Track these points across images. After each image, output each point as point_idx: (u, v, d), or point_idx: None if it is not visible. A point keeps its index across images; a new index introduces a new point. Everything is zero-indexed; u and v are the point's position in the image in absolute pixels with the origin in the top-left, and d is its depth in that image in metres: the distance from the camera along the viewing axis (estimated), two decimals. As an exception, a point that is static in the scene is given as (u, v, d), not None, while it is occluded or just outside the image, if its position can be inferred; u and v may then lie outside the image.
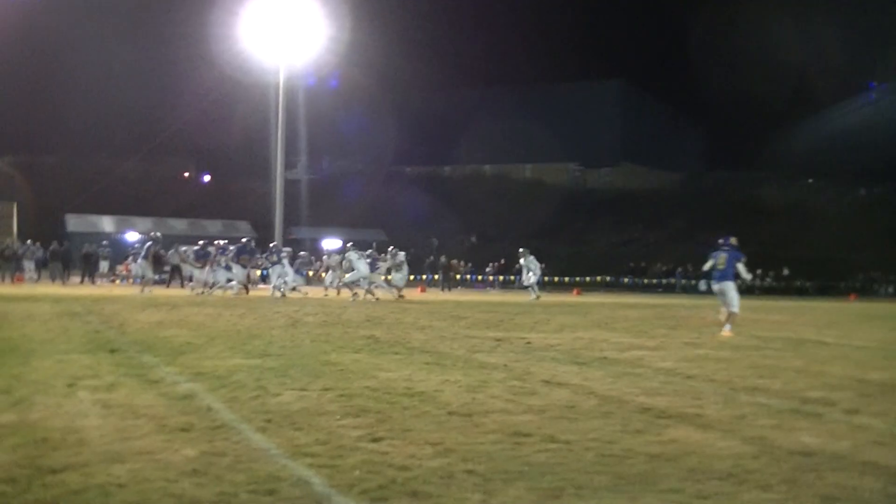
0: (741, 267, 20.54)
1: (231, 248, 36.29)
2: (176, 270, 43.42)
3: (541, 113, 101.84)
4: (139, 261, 37.53)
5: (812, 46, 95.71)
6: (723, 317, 20.52)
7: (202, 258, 36.25)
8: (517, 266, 49.19)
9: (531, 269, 40.06)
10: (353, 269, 34.53)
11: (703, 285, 21.83)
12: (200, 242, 37.76)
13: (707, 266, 21.42)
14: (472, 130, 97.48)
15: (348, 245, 36.74)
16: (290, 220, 64.43)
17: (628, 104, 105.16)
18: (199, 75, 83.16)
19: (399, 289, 36.37)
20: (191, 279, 40.67)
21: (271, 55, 49.72)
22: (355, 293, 34.19)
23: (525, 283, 40.68)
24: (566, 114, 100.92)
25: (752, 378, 11.65)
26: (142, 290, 34.46)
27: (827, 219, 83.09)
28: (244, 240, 36.68)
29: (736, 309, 20.40)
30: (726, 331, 19.79)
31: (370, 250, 37.13)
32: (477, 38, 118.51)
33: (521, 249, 41.26)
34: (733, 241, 20.99)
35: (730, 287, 20.47)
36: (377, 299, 33.00)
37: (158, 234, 39.06)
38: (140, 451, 6.51)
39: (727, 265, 20.51)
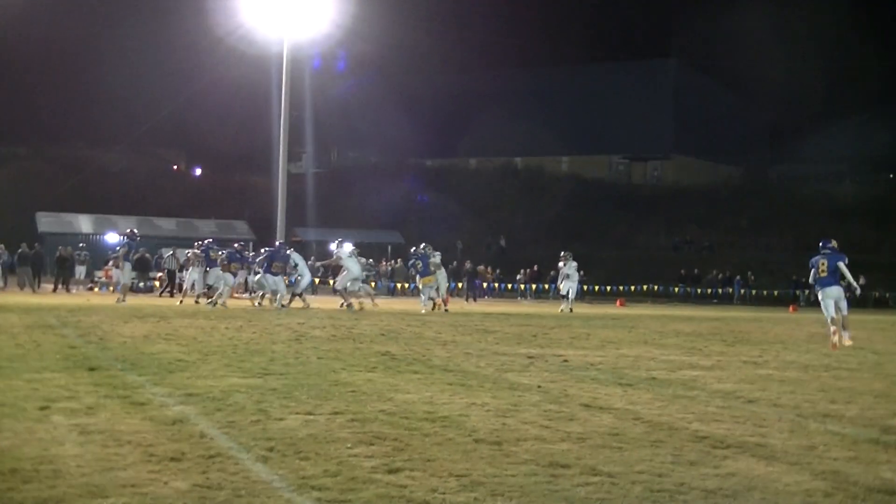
0: (846, 270, 22.49)
1: (238, 251, 36.46)
2: (171, 277, 43.42)
3: (580, 98, 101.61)
4: (121, 265, 37.46)
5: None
6: (834, 329, 21.99)
7: (237, 262, 35.82)
8: (552, 274, 48.92)
9: (569, 276, 39.79)
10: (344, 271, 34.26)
11: (814, 296, 23.15)
12: (236, 245, 37.41)
13: (812, 278, 23.08)
14: (502, 118, 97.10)
15: (335, 242, 36.31)
16: (294, 220, 64.57)
17: (682, 87, 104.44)
18: (191, 54, 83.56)
19: (444, 299, 36.19)
20: (180, 287, 40.81)
21: (274, 31, 49.75)
22: (349, 303, 33.73)
23: (562, 293, 40.30)
24: (609, 99, 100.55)
25: (823, 403, 11.64)
26: (119, 299, 34.43)
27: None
28: (278, 243, 36.23)
29: (846, 312, 22.50)
30: (847, 339, 21.90)
31: (423, 245, 36.04)
32: (507, 14, 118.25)
33: (563, 253, 40.87)
34: (834, 243, 22.93)
35: (840, 293, 22.48)
36: (361, 307, 32.93)
37: (136, 231, 38.80)
38: (124, 483, 6.54)
39: (829, 271, 22.48)
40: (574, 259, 40.79)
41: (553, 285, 48.32)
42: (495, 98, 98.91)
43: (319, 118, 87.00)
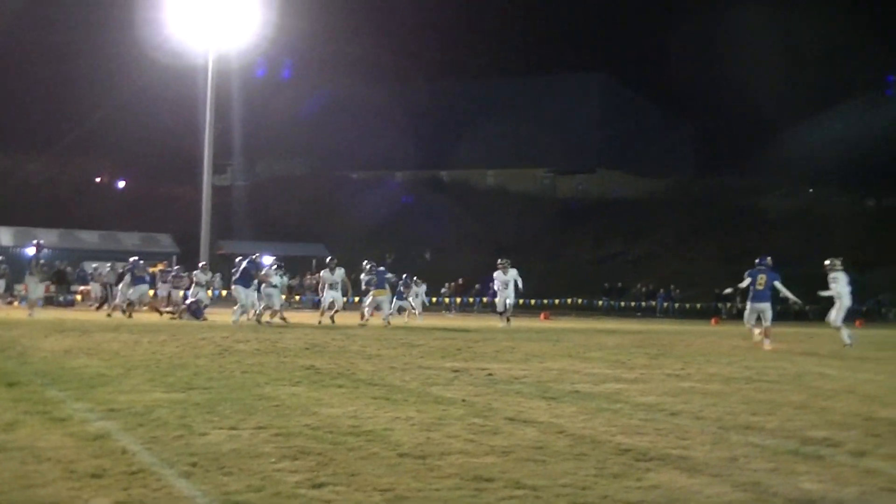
0: (782, 287, 26.19)
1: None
2: (108, 291, 42.82)
3: (506, 111, 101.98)
4: (26, 276, 37.11)
5: (818, 38, 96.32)
6: (758, 336, 25.91)
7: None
8: (476, 287, 48.28)
9: (508, 286, 36.75)
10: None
11: (737, 308, 26.48)
12: (273, 257, 35.94)
13: (743, 284, 26.47)
14: (428, 131, 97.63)
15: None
16: (220, 233, 64.24)
17: (608, 101, 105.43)
18: (116, 64, 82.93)
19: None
20: (105, 300, 40.51)
21: (199, 42, 49.57)
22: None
23: (499, 308, 37.45)
24: (535, 112, 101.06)
25: (745, 415, 11.75)
26: (30, 313, 34.19)
27: (831, 233, 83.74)
28: (254, 256, 35.66)
29: (769, 323, 25.79)
30: (767, 345, 25.06)
31: (367, 261, 35.77)
32: (435, 27, 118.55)
33: (501, 260, 37.73)
34: (769, 260, 26.45)
35: (769, 308, 25.75)
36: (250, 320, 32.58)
37: (41, 242, 38.30)
38: (44, 500, 6.47)
39: (766, 286, 25.84)
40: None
41: (479, 299, 47.91)
42: (421, 110, 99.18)
43: (245, 130, 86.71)
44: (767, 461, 8.61)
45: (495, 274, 37.54)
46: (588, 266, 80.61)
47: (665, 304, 66.81)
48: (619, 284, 69.24)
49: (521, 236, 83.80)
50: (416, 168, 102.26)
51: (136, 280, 36.41)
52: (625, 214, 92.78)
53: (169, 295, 42.28)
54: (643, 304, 66.65)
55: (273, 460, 7.98)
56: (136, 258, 38.24)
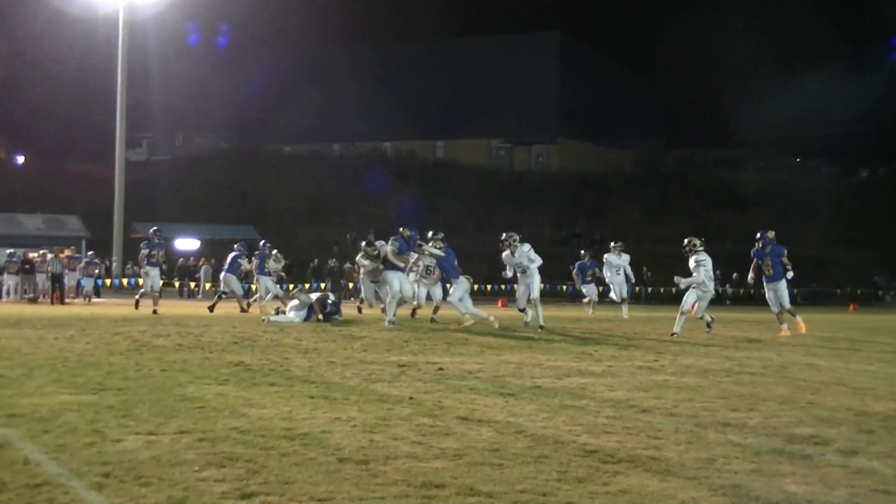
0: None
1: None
2: (56, 280, 42.37)
3: (455, 76, 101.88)
4: None
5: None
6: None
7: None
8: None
9: (527, 270, 29.12)
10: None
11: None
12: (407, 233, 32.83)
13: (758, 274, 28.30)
14: (369, 99, 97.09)
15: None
16: (136, 214, 63.82)
17: (568, 64, 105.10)
18: (12, 23, 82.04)
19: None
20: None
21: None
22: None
23: (520, 305, 30.57)
24: (488, 76, 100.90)
25: (723, 411, 11.82)
26: None
27: (819, 208, 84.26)
28: (261, 242, 35.73)
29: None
30: (784, 330, 27.18)
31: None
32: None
33: (505, 236, 29.28)
34: (771, 234, 28.10)
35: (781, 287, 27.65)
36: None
37: None
38: (-64, 516, 6.42)
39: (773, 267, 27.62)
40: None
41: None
42: (361, 76, 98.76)
43: (165, 99, 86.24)
44: (748, 462, 8.67)
45: (504, 256, 29.52)
46: (549, 247, 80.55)
47: (636, 289, 67.01)
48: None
49: (474, 214, 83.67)
50: (357, 140, 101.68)
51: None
52: (589, 189, 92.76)
53: (78, 284, 42.03)
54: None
55: (197, 468, 7.94)
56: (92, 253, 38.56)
